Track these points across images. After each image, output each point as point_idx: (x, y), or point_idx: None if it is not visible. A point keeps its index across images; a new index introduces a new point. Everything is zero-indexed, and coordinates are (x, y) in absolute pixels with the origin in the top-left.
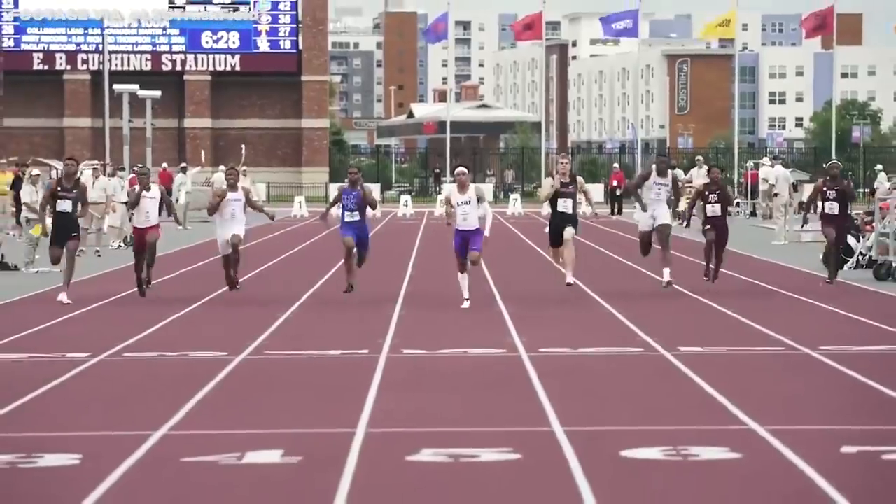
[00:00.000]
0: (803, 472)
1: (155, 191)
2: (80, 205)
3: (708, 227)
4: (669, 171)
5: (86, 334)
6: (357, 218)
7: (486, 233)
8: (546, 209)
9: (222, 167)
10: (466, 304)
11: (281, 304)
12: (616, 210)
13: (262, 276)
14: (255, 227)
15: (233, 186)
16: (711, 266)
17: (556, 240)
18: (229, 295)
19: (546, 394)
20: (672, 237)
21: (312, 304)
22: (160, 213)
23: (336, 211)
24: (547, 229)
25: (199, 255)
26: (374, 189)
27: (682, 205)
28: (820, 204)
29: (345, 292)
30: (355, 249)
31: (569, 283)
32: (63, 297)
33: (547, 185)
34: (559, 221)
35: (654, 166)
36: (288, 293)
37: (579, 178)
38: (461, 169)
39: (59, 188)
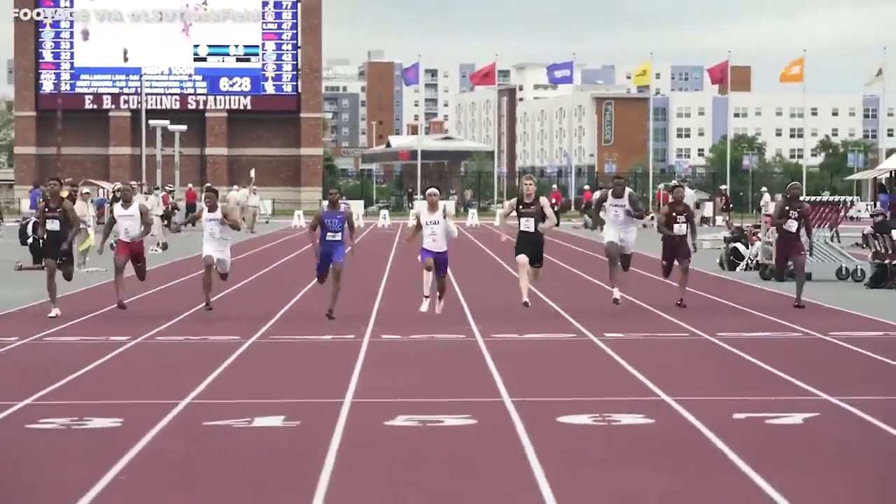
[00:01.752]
0: (703, 433)
1: (134, 208)
2: (67, 222)
3: (666, 246)
4: (626, 192)
5: (126, 320)
6: (338, 238)
7: (451, 229)
8: (504, 223)
9: (236, 186)
10: (426, 306)
11: (291, 291)
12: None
13: (267, 276)
14: (260, 235)
15: (211, 207)
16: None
17: (521, 250)
18: (242, 289)
19: (497, 371)
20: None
21: (314, 292)
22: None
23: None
24: (504, 238)
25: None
26: (357, 205)
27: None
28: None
29: (327, 316)
30: (332, 266)
31: (525, 304)
32: (55, 312)
33: (507, 205)
34: (524, 243)
35: (608, 191)
36: (297, 281)
37: (542, 199)
38: (432, 190)
39: (46, 209)
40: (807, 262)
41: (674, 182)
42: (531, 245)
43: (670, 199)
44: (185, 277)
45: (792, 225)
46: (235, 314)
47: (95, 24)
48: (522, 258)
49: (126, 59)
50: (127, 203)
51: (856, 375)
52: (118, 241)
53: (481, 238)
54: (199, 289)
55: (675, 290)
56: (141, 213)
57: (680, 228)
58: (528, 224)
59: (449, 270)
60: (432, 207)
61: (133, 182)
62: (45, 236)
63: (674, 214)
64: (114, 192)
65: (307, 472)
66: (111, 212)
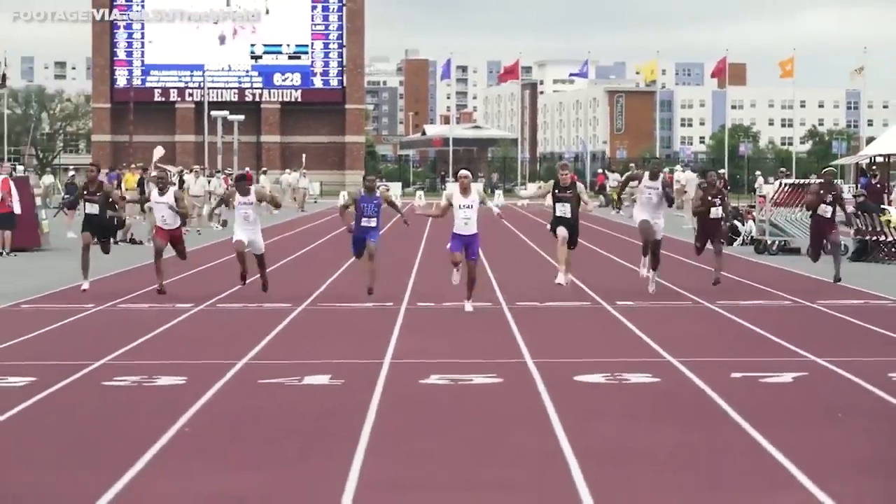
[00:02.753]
0: (704, 391)
1: (169, 196)
2: (108, 205)
3: (701, 228)
4: (661, 175)
5: (190, 289)
6: (373, 224)
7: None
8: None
9: (288, 170)
10: (469, 307)
11: (336, 264)
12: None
13: (315, 250)
14: (309, 213)
15: (243, 191)
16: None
17: (560, 228)
18: (293, 261)
19: (520, 335)
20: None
21: (356, 265)
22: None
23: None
24: (549, 227)
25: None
26: (396, 187)
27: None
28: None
29: (368, 292)
30: (366, 247)
31: (559, 284)
32: (85, 284)
33: (544, 186)
34: (564, 224)
35: (645, 172)
36: (341, 255)
37: (579, 185)
38: (464, 172)
39: (85, 192)
40: (812, 237)
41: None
42: (568, 227)
43: (704, 184)
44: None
45: (826, 210)
46: (286, 284)
47: (166, 26)
48: (562, 231)
49: (222, 42)
50: (162, 190)
51: (840, 339)
52: (156, 227)
53: (506, 215)
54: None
55: (709, 272)
56: (176, 200)
57: (716, 212)
58: (564, 210)
59: (481, 254)
60: (465, 191)
61: (196, 166)
62: (85, 217)
63: (708, 198)
64: (180, 173)
65: (352, 425)
66: (148, 195)
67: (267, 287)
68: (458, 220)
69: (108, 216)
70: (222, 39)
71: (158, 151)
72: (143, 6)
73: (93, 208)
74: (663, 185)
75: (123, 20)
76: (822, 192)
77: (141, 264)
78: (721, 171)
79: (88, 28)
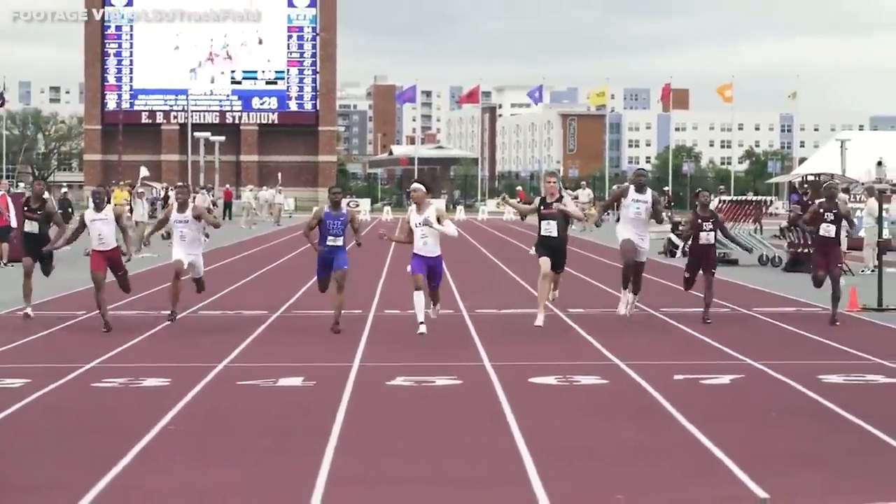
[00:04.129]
0: (648, 391)
1: (108, 212)
2: (49, 224)
3: (692, 256)
4: (648, 189)
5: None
6: (340, 244)
7: (452, 231)
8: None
9: (265, 187)
10: (423, 329)
11: (310, 274)
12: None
13: (290, 261)
14: (285, 227)
15: (182, 206)
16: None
17: (543, 253)
18: (270, 271)
19: (479, 338)
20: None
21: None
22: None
23: (315, 233)
24: (532, 251)
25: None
26: (365, 202)
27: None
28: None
29: (332, 329)
30: (333, 274)
31: (538, 326)
32: (28, 311)
33: (533, 203)
34: (546, 247)
35: (630, 184)
36: (314, 266)
37: (565, 197)
38: (416, 185)
39: (25, 209)
40: (745, 253)
41: (583, 183)
42: (552, 250)
43: (696, 206)
44: (222, 262)
45: (830, 230)
46: (262, 293)
47: (153, 52)
48: (545, 262)
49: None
50: (99, 207)
51: (774, 344)
52: (91, 252)
53: (467, 229)
54: (238, 268)
55: (697, 301)
56: (116, 217)
57: (707, 237)
58: (549, 228)
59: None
60: (419, 206)
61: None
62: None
63: (699, 221)
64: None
65: (323, 422)
66: (81, 217)
67: (200, 290)
68: (417, 239)
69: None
70: (195, 70)
71: (143, 171)
72: (132, 36)
73: (32, 226)
74: (653, 201)
75: (114, 49)
76: (821, 210)
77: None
78: (665, 188)
79: (81, 55)
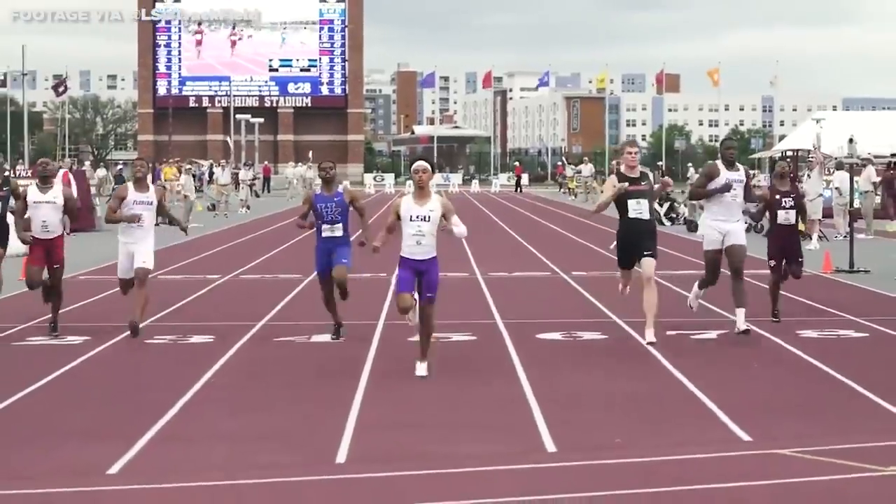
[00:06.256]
0: (641, 343)
1: (55, 192)
2: (11, 203)
3: (773, 237)
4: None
5: (218, 263)
6: (339, 234)
7: (464, 231)
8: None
9: (300, 163)
10: (421, 371)
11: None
12: (518, 189)
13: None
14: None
15: (140, 182)
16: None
17: (626, 259)
18: (307, 237)
19: (492, 299)
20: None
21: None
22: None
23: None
24: (614, 245)
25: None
26: (389, 177)
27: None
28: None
29: (332, 337)
30: (333, 271)
31: (651, 343)
32: None
33: (609, 186)
34: (633, 235)
35: (718, 161)
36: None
37: (649, 173)
38: (421, 163)
39: None
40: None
41: (585, 158)
42: (643, 236)
43: (771, 180)
44: (263, 230)
45: (789, 216)
46: (298, 258)
47: (200, 47)
48: (627, 275)
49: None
50: (45, 185)
51: (755, 303)
52: (31, 247)
53: (481, 200)
54: (277, 236)
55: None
56: (65, 200)
57: (787, 216)
58: (639, 208)
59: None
60: (421, 194)
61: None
62: None
63: (777, 197)
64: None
65: (353, 372)
66: (24, 196)
67: (139, 325)
68: (407, 238)
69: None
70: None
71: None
72: (180, 29)
73: None
74: (747, 176)
75: (164, 40)
76: (777, 196)
77: (182, 240)
78: (659, 162)
79: (135, 47)
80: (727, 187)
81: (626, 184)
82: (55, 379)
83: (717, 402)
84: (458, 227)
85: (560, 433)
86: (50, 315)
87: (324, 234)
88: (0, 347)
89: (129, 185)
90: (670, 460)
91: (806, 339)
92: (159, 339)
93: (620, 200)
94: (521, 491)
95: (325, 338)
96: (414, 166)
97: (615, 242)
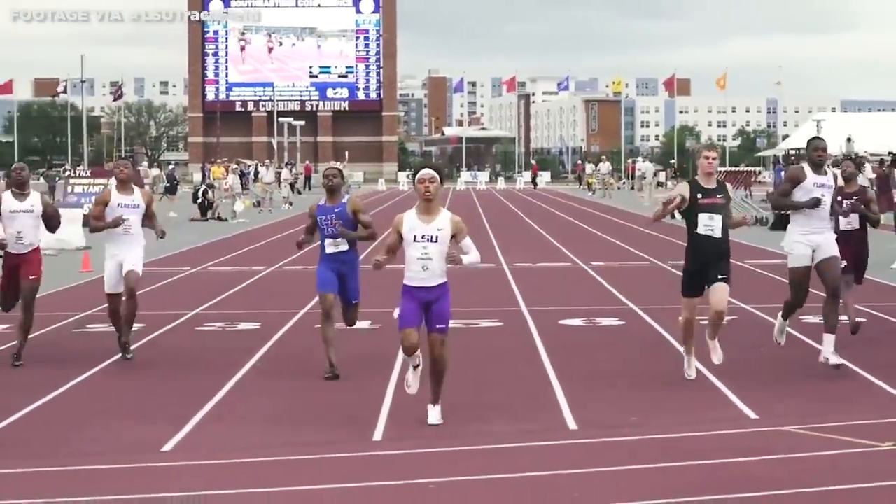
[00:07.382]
0: (657, 329)
1: (33, 200)
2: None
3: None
4: (830, 168)
5: (263, 256)
6: (344, 248)
7: (473, 259)
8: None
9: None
10: (436, 417)
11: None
12: (534, 185)
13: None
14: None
15: (123, 184)
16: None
17: (692, 284)
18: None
19: (517, 288)
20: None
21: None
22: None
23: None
24: (682, 262)
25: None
26: None
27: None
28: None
29: (325, 378)
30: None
31: (716, 363)
32: None
33: (677, 194)
34: (701, 256)
35: (804, 164)
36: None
37: (728, 185)
38: (428, 172)
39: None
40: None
41: (603, 157)
42: (713, 259)
43: (838, 182)
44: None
45: (850, 221)
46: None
47: (244, 54)
48: (690, 304)
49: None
50: (21, 193)
51: (763, 290)
52: (3, 258)
53: (506, 196)
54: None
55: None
56: (44, 208)
57: (848, 222)
58: (711, 224)
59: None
60: (427, 209)
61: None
62: None
63: (839, 199)
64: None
65: (387, 356)
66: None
67: (127, 344)
68: (411, 262)
69: None
70: (280, 66)
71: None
72: (227, 38)
73: None
74: (837, 187)
75: (213, 49)
76: (839, 196)
77: (228, 235)
78: (672, 161)
79: (185, 56)
80: (815, 202)
81: (679, 197)
82: (112, 364)
83: (726, 382)
84: (470, 255)
85: (581, 412)
86: (16, 342)
87: (327, 251)
88: (61, 333)
89: (112, 188)
90: (683, 437)
91: (808, 324)
92: (209, 326)
93: (690, 212)
94: (545, 466)
95: (363, 324)
96: (419, 174)
97: (684, 267)
